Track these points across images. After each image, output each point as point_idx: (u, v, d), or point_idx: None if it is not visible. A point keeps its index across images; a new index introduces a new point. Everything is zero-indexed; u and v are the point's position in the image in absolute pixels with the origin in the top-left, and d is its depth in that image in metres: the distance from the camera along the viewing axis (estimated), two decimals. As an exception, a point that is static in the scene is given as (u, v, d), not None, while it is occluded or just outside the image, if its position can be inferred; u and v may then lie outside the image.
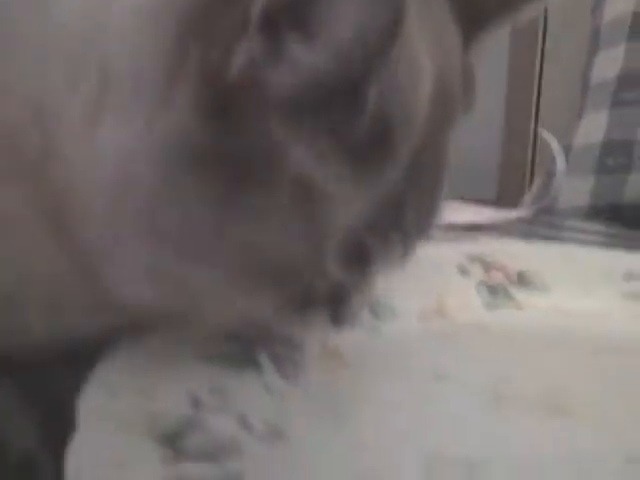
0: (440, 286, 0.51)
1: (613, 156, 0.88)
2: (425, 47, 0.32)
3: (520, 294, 0.52)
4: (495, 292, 0.52)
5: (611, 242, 0.72)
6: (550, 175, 0.77)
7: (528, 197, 0.82)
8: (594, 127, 0.92)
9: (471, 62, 0.38)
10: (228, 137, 0.29)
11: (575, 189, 0.90)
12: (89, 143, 0.30)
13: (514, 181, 2.18)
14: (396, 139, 0.31)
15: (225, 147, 0.29)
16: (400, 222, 0.35)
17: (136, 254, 0.32)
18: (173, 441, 0.33)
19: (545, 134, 0.76)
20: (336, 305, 0.38)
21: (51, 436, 0.34)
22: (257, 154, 0.30)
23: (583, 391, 0.42)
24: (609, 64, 0.93)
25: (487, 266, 0.53)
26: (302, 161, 0.30)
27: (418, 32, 0.32)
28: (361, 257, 0.35)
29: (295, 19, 0.27)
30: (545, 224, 0.78)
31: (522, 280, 0.53)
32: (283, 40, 0.28)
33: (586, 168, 0.90)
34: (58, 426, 0.34)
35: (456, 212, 0.79)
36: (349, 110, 0.29)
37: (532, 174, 2.08)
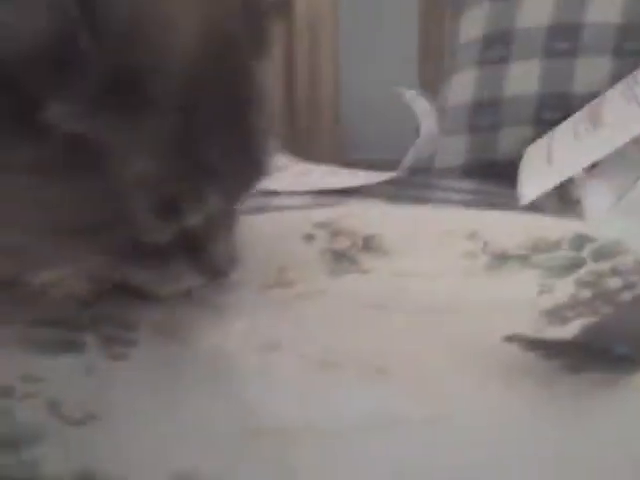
0: (283, 255, 0.51)
1: (483, 114, 0.89)
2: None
3: (365, 259, 0.52)
4: (340, 258, 0.52)
5: (477, 200, 0.74)
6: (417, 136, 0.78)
7: (405, 160, 0.83)
8: (464, 86, 0.92)
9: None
10: None
11: (450, 148, 0.91)
12: None
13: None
14: (148, 84, 0.32)
15: None
16: (206, 167, 0.36)
17: None
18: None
19: (408, 94, 0.76)
20: (195, 255, 0.40)
21: None
22: (11, 113, 0.31)
23: (403, 352, 0.42)
24: (475, 22, 0.94)
25: (334, 232, 0.54)
26: (60, 116, 0.31)
27: None
28: (174, 207, 0.36)
29: None
30: (417, 185, 0.79)
31: (368, 245, 0.53)
32: None
33: (459, 127, 0.91)
34: None
35: (329, 176, 0.79)
36: (72, 62, 0.30)
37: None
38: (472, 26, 0.94)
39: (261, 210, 0.69)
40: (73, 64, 0.30)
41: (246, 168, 0.38)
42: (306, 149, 2.28)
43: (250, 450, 0.35)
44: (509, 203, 0.69)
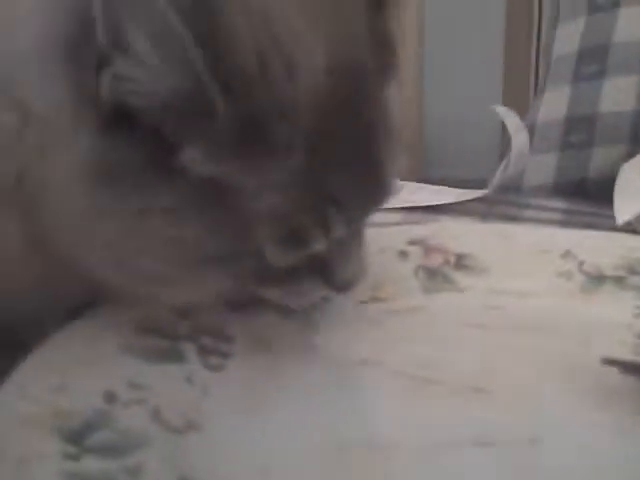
0: (378, 271, 0.51)
1: (576, 132, 0.88)
2: (306, 24, 0.35)
3: (458, 276, 0.52)
4: (433, 275, 0.52)
5: (570, 219, 0.72)
6: (510, 153, 0.77)
7: (494, 177, 0.82)
8: (556, 103, 0.91)
9: (385, 23, 0.39)
10: (124, 148, 0.33)
11: (540, 166, 0.89)
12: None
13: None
14: (274, 127, 0.33)
15: (124, 157, 0.34)
16: (332, 197, 0.36)
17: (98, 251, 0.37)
18: (78, 437, 0.34)
19: (500, 110, 0.76)
20: (324, 272, 0.40)
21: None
22: (151, 160, 0.34)
23: (505, 372, 0.42)
24: (570, 37, 0.92)
25: (427, 249, 0.54)
26: (194, 161, 0.33)
27: (296, 9, 0.34)
28: (300, 237, 0.37)
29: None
30: (507, 203, 0.78)
31: (461, 262, 0.53)
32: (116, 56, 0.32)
33: (550, 145, 0.90)
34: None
35: (417, 193, 0.79)
36: (204, 112, 0.32)
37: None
38: (567, 41, 0.92)
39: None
40: (204, 112, 0.32)
41: (371, 193, 0.39)
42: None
43: (342, 464, 0.35)
44: (603, 223, 0.67)
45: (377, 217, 0.71)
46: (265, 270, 0.38)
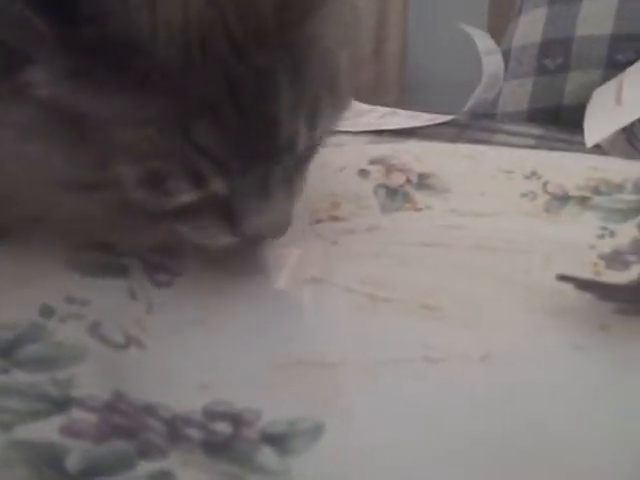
0: (336, 190, 0.50)
1: (551, 56, 0.86)
2: None
3: (419, 196, 0.51)
4: (393, 194, 0.51)
5: (542, 145, 0.71)
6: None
7: (469, 102, 0.80)
8: (532, 26, 0.89)
9: None
10: None
11: (515, 92, 0.88)
12: None
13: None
14: (125, 60, 0.30)
15: None
16: (199, 146, 0.33)
17: None
18: (9, 351, 0.33)
19: (472, 30, 0.74)
20: (229, 218, 0.37)
21: None
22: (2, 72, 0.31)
23: (460, 291, 0.41)
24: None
25: (389, 168, 0.52)
26: (36, 81, 0.31)
27: None
28: (160, 183, 0.34)
29: None
30: (479, 128, 0.76)
31: (423, 182, 0.52)
32: None
33: (525, 70, 0.88)
34: None
35: (389, 116, 0.77)
36: (36, 35, 0.30)
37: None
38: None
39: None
40: (36, 35, 0.30)
41: (257, 146, 0.35)
42: (371, 101, 2.25)
43: (283, 382, 0.34)
44: (576, 150, 0.66)
45: (342, 139, 0.70)
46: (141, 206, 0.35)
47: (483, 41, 0.72)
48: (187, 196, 0.35)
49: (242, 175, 0.35)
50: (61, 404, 0.30)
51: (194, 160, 0.33)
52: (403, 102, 2.36)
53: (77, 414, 0.30)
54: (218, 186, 0.35)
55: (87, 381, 0.32)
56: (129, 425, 0.30)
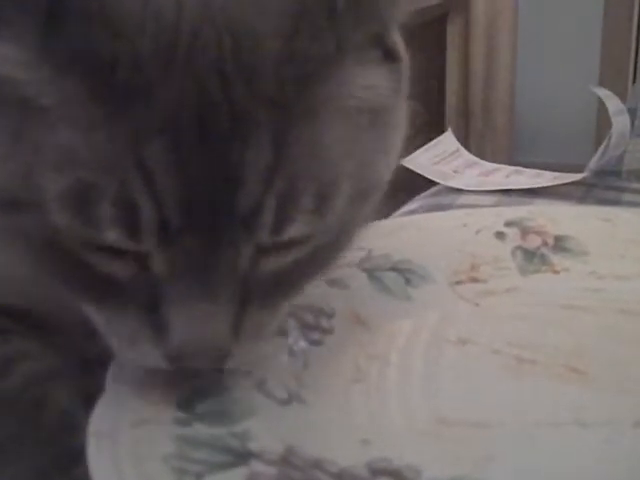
0: (475, 252, 0.51)
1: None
2: None
3: (556, 258, 0.52)
4: (531, 257, 0.52)
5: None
6: (609, 137, 0.75)
7: (592, 161, 0.80)
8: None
9: None
10: None
11: (640, 149, 0.87)
12: None
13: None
14: (99, 45, 0.28)
15: None
16: (141, 167, 0.29)
17: None
18: (189, 404, 0.35)
19: (601, 92, 0.74)
20: (155, 318, 0.32)
21: (90, 399, 0.36)
22: None
23: (603, 354, 0.42)
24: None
25: (525, 230, 0.54)
26: (9, 54, 0.29)
27: None
28: (85, 201, 0.29)
29: None
30: (606, 187, 0.77)
31: (559, 244, 0.53)
32: None
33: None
34: (95, 389, 0.37)
35: (515, 175, 0.79)
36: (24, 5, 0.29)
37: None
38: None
39: (447, 207, 0.70)
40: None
41: (208, 211, 0.30)
42: (480, 149, 2.26)
43: (440, 441, 0.36)
44: None
45: (471, 199, 0.72)
46: (63, 254, 0.31)
47: (612, 102, 0.73)
48: (114, 234, 0.29)
49: (182, 238, 0.30)
50: (242, 456, 0.33)
51: (133, 185, 0.29)
52: (512, 151, 2.36)
53: (257, 466, 0.32)
54: (152, 242, 0.30)
55: (261, 435, 0.34)
56: (304, 479, 0.32)
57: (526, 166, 0.82)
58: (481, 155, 0.87)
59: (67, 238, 0.30)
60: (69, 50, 0.28)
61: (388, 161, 0.36)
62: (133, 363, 0.34)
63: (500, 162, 0.85)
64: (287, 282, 0.34)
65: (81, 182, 0.29)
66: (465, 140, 2.30)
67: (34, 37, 0.29)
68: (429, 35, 2.17)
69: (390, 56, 0.34)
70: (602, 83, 2.22)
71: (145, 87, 0.28)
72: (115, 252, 0.31)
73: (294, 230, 0.31)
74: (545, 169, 0.79)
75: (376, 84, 0.33)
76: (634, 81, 2.27)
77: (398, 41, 0.35)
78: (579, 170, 0.76)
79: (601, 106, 0.79)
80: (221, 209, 0.30)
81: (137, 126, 0.28)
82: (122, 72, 0.28)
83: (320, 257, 0.34)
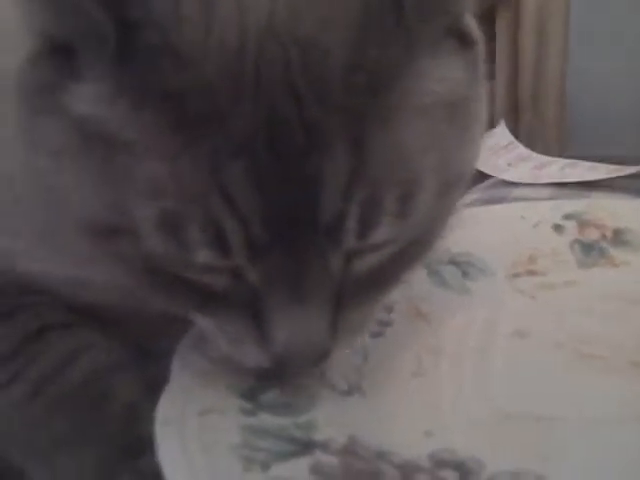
0: (532, 244, 0.51)
1: None
2: None
3: (615, 252, 0.51)
4: (589, 250, 0.52)
5: None
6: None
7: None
8: None
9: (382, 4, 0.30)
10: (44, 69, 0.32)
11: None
12: None
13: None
14: (170, 77, 0.29)
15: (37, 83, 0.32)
16: (225, 193, 0.29)
17: None
18: (253, 395, 0.36)
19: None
20: (260, 324, 0.33)
21: (154, 389, 0.37)
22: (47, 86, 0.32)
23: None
24: None
25: (583, 224, 0.53)
26: (82, 95, 0.31)
27: None
28: (177, 229, 0.30)
29: None
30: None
31: (618, 238, 0.52)
32: None
33: None
34: (159, 380, 0.38)
35: (570, 168, 0.78)
36: (98, 50, 0.29)
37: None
38: None
39: (502, 200, 0.70)
40: (96, 44, 0.29)
41: (290, 222, 0.30)
42: (530, 142, 2.24)
43: (503, 434, 0.36)
44: None
45: (526, 191, 0.71)
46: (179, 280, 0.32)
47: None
48: (206, 255, 0.31)
49: (270, 252, 0.31)
50: (307, 446, 0.33)
51: (217, 209, 0.29)
52: (563, 144, 2.33)
53: (321, 456, 0.33)
54: (242, 258, 0.31)
55: (325, 425, 0.35)
56: (368, 469, 0.33)
57: (577, 159, 0.81)
58: (532, 148, 0.86)
59: (163, 259, 0.31)
60: (141, 84, 0.29)
61: (471, 152, 0.36)
62: (239, 364, 0.35)
63: (551, 155, 0.84)
64: (379, 279, 0.34)
65: (169, 210, 0.30)
66: (515, 133, 2.27)
67: (108, 76, 0.30)
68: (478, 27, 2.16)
69: (465, 42, 0.34)
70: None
71: (217, 113, 0.29)
72: (210, 267, 0.32)
73: (380, 234, 0.31)
74: (598, 162, 0.79)
75: (452, 76, 0.33)
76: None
77: (472, 25, 0.35)
78: (634, 163, 0.75)
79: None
80: (304, 222, 0.30)
81: (214, 152, 0.29)
82: (192, 101, 0.29)
83: (411, 252, 0.34)
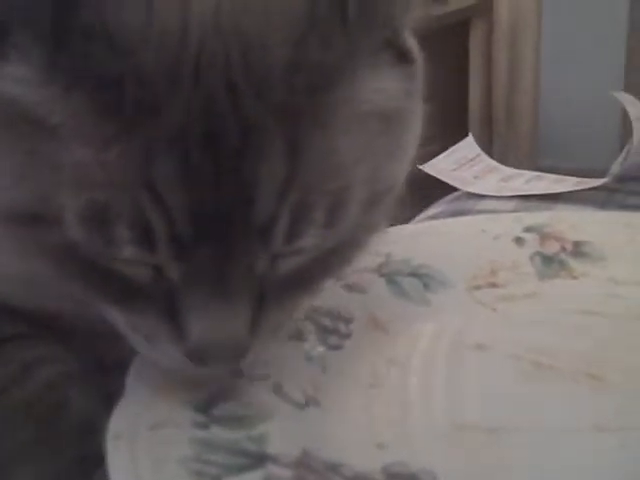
0: (494, 257, 0.51)
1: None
2: None
3: (575, 264, 0.52)
4: (549, 262, 0.52)
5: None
6: (631, 142, 0.75)
7: (614, 166, 0.80)
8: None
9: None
10: None
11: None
12: None
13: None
14: (105, 63, 0.28)
15: None
16: (152, 188, 0.29)
17: None
18: (207, 408, 0.36)
19: (623, 97, 0.74)
20: (179, 319, 0.32)
21: (111, 402, 0.37)
22: None
23: (622, 360, 0.42)
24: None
25: (544, 236, 0.54)
26: (12, 73, 0.29)
27: None
28: (102, 220, 0.30)
29: None
30: (627, 192, 0.76)
31: (578, 250, 0.53)
32: None
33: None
34: (115, 392, 0.37)
35: (535, 181, 0.78)
36: (33, 28, 0.29)
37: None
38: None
39: (467, 213, 0.70)
40: (32, 25, 0.28)
41: (221, 226, 0.30)
42: (503, 154, 2.26)
43: (458, 445, 0.36)
44: None
45: (492, 204, 0.72)
46: (83, 263, 0.31)
47: (633, 107, 0.73)
48: (131, 251, 0.30)
49: (196, 249, 0.30)
50: (259, 459, 0.33)
51: (144, 204, 0.29)
52: (536, 156, 2.35)
53: (273, 469, 0.33)
54: (166, 255, 0.30)
55: (278, 438, 0.35)
56: (320, 482, 0.33)
57: (550, 172, 0.82)
58: (504, 160, 0.87)
59: (84, 249, 0.31)
60: (75, 68, 0.29)
61: (402, 164, 0.36)
62: (156, 364, 0.35)
63: (524, 167, 0.84)
64: (302, 282, 0.34)
65: (95, 201, 0.29)
66: (488, 145, 2.29)
67: (41, 57, 0.29)
68: (452, 40, 2.17)
69: (403, 58, 0.34)
70: (627, 88, 2.21)
71: (152, 104, 0.28)
72: (133, 261, 0.31)
73: (307, 240, 0.31)
74: (570, 174, 0.79)
75: (388, 87, 0.33)
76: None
77: (411, 43, 0.35)
78: (604, 175, 0.76)
79: (626, 111, 0.78)
80: (235, 221, 0.30)
81: (146, 145, 0.28)
82: (127, 89, 0.28)
83: (334, 258, 0.35)
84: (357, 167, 0.32)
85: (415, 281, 0.49)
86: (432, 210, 0.73)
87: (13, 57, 0.29)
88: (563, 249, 0.53)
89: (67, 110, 0.29)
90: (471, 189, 0.75)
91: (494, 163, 0.82)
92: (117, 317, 0.35)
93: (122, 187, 0.29)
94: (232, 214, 0.30)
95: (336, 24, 0.30)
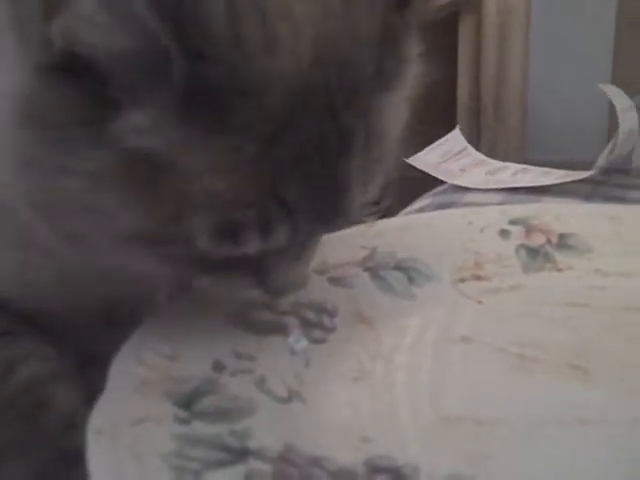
0: (479, 249, 0.51)
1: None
2: (303, 6, 0.32)
3: (560, 256, 0.52)
4: (534, 255, 0.52)
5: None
6: (617, 134, 0.75)
7: (600, 158, 0.80)
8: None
9: (394, 23, 0.35)
10: (62, 96, 0.31)
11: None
12: None
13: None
14: (235, 104, 0.30)
15: (58, 104, 0.31)
16: (279, 199, 0.33)
17: None
18: (189, 403, 0.36)
19: (609, 89, 0.74)
20: (258, 272, 0.38)
21: (94, 398, 0.36)
22: (85, 116, 0.31)
23: (607, 352, 0.42)
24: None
25: (529, 228, 0.53)
26: (136, 127, 0.31)
27: None
28: (234, 233, 0.34)
29: None
30: (613, 184, 0.77)
31: (563, 242, 0.53)
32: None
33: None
34: (97, 389, 0.37)
35: (522, 173, 0.78)
36: (158, 74, 0.29)
37: None
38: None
39: (453, 205, 0.70)
40: (158, 74, 0.29)
41: (326, 209, 0.35)
42: (492, 147, 2.26)
43: (443, 438, 0.36)
44: None
45: (478, 197, 0.71)
46: (198, 258, 0.35)
47: (620, 100, 0.73)
48: (256, 248, 0.35)
49: (298, 233, 0.35)
50: (240, 454, 0.33)
51: (272, 213, 0.33)
52: (524, 149, 2.34)
53: (255, 464, 0.32)
54: (281, 238, 0.35)
55: (260, 433, 0.34)
56: (299, 476, 0.32)
57: (539, 164, 0.82)
58: (493, 153, 0.87)
59: (212, 255, 0.35)
60: (203, 115, 0.30)
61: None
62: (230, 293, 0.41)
63: (512, 160, 0.84)
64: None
65: (227, 219, 0.33)
66: (477, 138, 2.29)
67: (173, 106, 0.30)
68: (441, 33, 2.17)
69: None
70: (615, 81, 2.21)
71: (276, 134, 0.31)
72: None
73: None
74: (558, 167, 0.79)
75: (415, 75, 0.38)
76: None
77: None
78: (588, 168, 0.76)
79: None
80: (330, 214, 0.36)
81: (272, 167, 0.32)
82: (258, 127, 0.31)
83: None
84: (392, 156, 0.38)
85: (400, 275, 0.49)
86: (418, 203, 0.73)
87: (124, 104, 0.31)
88: (548, 241, 0.53)
89: (203, 149, 0.31)
90: (458, 182, 0.75)
91: (481, 156, 0.82)
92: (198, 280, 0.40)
93: (252, 204, 0.33)
94: (331, 205, 0.35)
95: (401, 39, 0.36)
